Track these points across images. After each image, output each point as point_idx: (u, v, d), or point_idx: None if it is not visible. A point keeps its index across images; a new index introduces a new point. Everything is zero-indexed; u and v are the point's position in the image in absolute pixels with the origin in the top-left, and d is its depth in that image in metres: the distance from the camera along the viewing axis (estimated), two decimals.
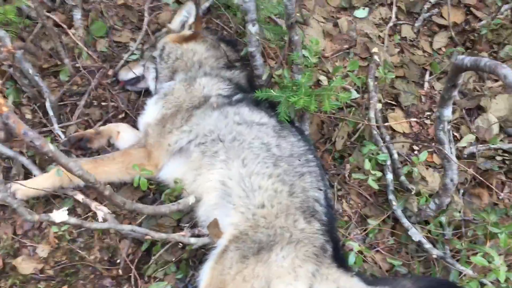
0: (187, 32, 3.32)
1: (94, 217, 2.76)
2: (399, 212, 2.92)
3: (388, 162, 3.06)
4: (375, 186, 2.94)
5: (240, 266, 2.35)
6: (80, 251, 2.75)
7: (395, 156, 3.14)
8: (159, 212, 2.56)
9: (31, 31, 3.38)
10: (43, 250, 2.73)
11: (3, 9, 2.92)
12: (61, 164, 1.82)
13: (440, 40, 3.95)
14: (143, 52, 3.44)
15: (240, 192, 2.59)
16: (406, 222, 2.86)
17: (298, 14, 2.88)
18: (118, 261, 2.76)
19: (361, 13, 4.01)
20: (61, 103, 3.26)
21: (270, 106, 2.97)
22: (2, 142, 2.77)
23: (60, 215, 1.97)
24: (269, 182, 2.60)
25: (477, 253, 2.59)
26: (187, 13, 3.33)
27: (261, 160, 2.67)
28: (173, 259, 2.74)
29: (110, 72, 3.43)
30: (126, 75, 3.39)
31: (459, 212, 2.93)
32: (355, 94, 3.38)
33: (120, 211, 2.86)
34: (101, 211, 2.69)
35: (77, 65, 3.38)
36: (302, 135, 2.95)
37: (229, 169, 2.67)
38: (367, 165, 2.94)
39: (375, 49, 3.59)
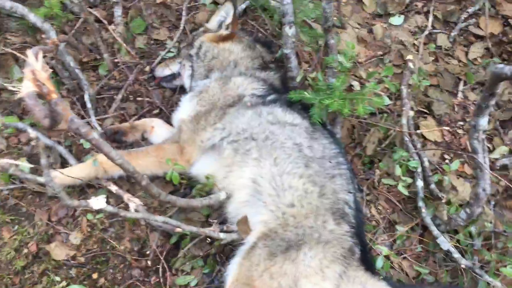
0: (224, 32, 3.36)
1: (126, 208, 2.81)
2: (428, 220, 2.89)
3: (419, 169, 3.04)
4: (405, 192, 2.94)
5: (268, 264, 2.37)
6: (111, 241, 2.82)
7: (426, 163, 3.10)
8: (191, 205, 2.59)
9: (73, 25, 3.47)
10: (75, 238, 2.81)
11: (49, 3, 3.03)
12: (104, 152, 1.88)
13: (476, 50, 3.90)
14: (180, 50, 3.51)
15: (271, 190, 2.61)
16: (435, 230, 2.84)
17: (335, 18, 2.90)
18: (148, 252, 2.81)
19: (396, 20, 3.99)
20: (99, 96, 3.35)
21: (303, 108, 2.99)
22: (46, 129, 2.85)
23: (98, 202, 2.03)
24: (300, 182, 2.61)
25: (506, 265, 2.56)
26: (225, 13, 3.36)
27: (292, 160, 2.68)
28: (201, 254, 2.78)
29: (147, 69, 3.52)
30: (162, 71, 3.45)
31: (490, 223, 2.89)
32: (387, 101, 3.38)
33: (151, 204, 2.93)
34: (133, 202, 2.73)
35: (115, 60, 3.47)
36: (334, 138, 2.96)
37: (261, 167, 2.68)
38: (398, 170, 2.94)
39: (409, 57, 3.57)
